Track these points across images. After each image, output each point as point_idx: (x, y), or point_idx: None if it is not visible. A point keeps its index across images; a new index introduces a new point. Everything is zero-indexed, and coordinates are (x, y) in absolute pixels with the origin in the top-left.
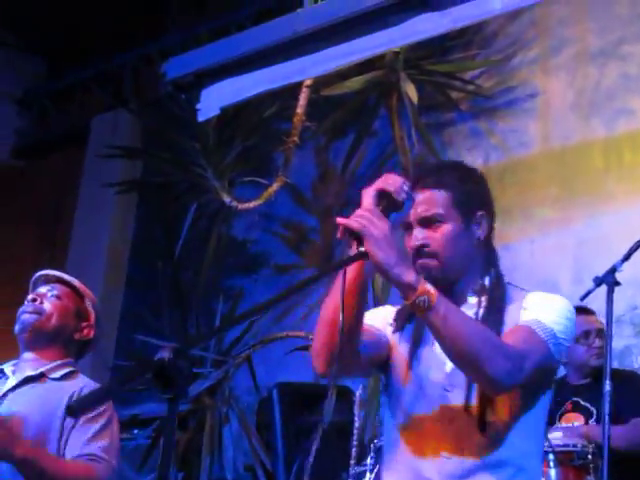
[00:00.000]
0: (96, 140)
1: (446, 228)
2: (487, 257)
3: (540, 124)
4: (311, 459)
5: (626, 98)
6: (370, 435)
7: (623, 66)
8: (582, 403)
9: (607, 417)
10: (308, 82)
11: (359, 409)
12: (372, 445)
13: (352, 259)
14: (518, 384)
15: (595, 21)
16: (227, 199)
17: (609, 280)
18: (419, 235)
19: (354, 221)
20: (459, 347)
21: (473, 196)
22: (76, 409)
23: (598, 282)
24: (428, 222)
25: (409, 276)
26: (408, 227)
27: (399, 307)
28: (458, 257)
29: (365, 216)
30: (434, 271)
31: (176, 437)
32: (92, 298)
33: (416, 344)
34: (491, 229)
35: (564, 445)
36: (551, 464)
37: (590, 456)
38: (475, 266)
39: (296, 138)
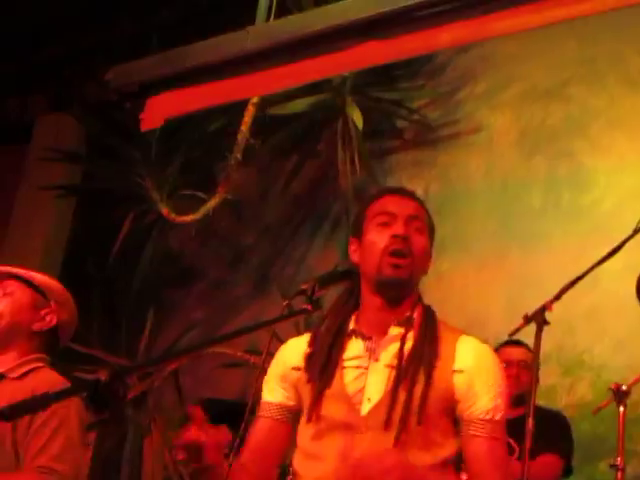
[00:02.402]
0: (39, 141)
1: (425, 239)
2: (418, 289)
3: (482, 159)
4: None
5: (568, 139)
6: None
7: (567, 107)
8: None
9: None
10: (254, 100)
11: None
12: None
13: (297, 313)
14: None
15: (543, 60)
16: (165, 211)
17: (538, 319)
18: (406, 228)
19: None
20: None
21: (433, 228)
22: (6, 414)
23: (528, 320)
24: (413, 223)
25: None
26: (387, 216)
27: (310, 347)
28: (419, 274)
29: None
30: (403, 274)
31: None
32: (48, 282)
33: (327, 382)
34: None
35: None
36: None
37: None
38: (415, 292)
39: (239, 155)
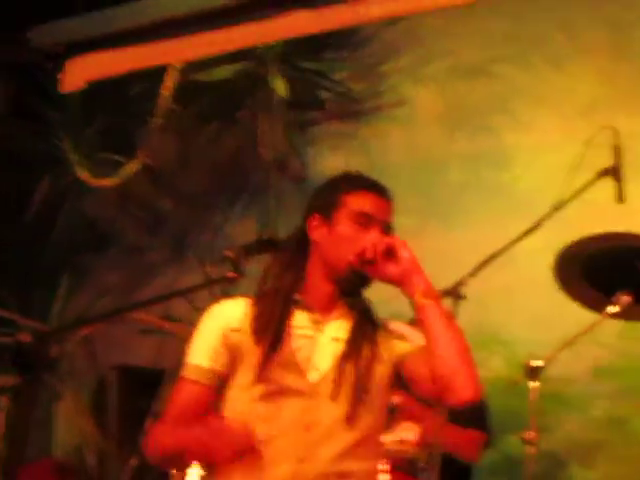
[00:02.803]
0: None
1: None
2: None
3: (404, 133)
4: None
5: (491, 116)
6: None
7: (491, 84)
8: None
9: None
10: (178, 65)
11: None
12: None
13: (220, 281)
14: None
15: (469, 36)
16: (82, 174)
17: (454, 294)
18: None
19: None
20: (463, 346)
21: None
22: None
23: (444, 295)
24: (386, 231)
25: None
26: (365, 218)
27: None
28: None
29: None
30: (369, 279)
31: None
32: None
33: (275, 346)
34: None
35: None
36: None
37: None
38: None
39: (160, 119)
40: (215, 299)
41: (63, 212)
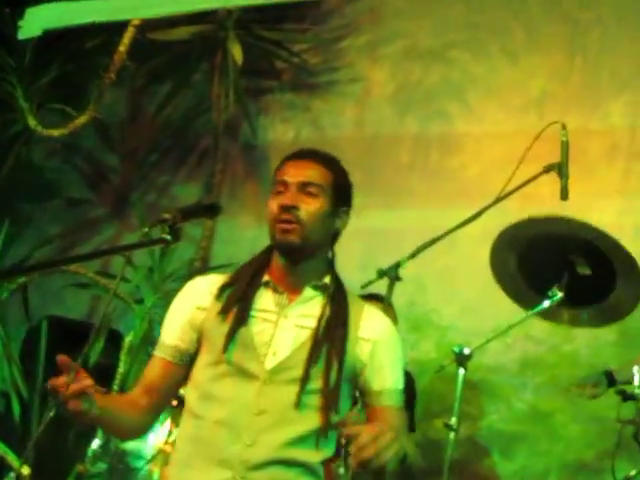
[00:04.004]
0: None
1: (319, 202)
2: (331, 254)
3: (356, 109)
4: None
5: (443, 101)
6: (133, 382)
7: (447, 70)
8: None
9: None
10: (136, 22)
11: (126, 355)
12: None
13: (156, 242)
14: None
15: (429, 20)
16: (32, 122)
17: (392, 274)
18: (294, 197)
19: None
20: None
21: (347, 191)
22: None
23: (381, 274)
24: (305, 189)
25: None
26: (281, 188)
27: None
28: (317, 235)
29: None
30: (293, 238)
31: None
32: None
33: (236, 327)
34: (343, 228)
35: None
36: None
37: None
38: (322, 255)
39: (113, 75)
40: (153, 259)
41: (10, 158)
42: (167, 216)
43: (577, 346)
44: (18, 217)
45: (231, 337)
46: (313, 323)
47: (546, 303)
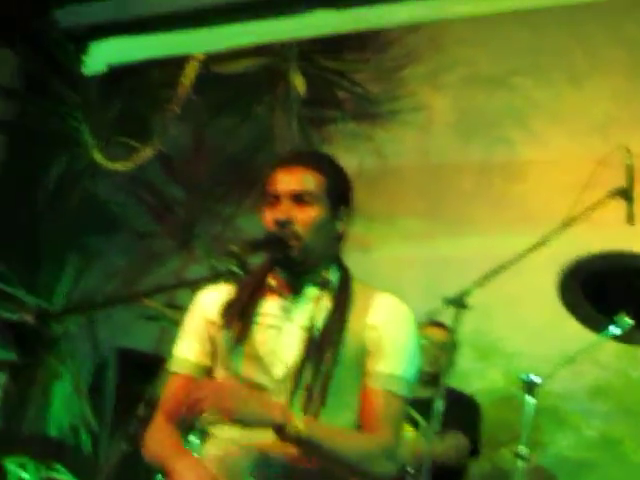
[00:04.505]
0: None
1: (314, 211)
2: (338, 253)
3: (419, 138)
4: (134, 428)
5: (507, 128)
6: None
7: (509, 96)
8: (412, 414)
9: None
10: (200, 56)
11: None
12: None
13: (224, 275)
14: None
15: (490, 47)
16: (98, 157)
17: (458, 302)
18: (287, 209)
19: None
20: (339, 466)
21: (343, 190)
22: None
23: (447, 303)
24: (298, 199)
25: (275, 417)
26: (274, 199)
27: (230, 297)
28: (318, 245)
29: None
30: (294, 253)
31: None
32: None
33: (239, 341)
34: (347, 227)
35: None
36: None
37: (410, 468)
38: (325, 259)
39: (177, 108)
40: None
41: (76, 193)
42: (235, 249)
43: None
44: (86, 251)
45: (236, 351)
46: (319, 323)
47: (614, 329)
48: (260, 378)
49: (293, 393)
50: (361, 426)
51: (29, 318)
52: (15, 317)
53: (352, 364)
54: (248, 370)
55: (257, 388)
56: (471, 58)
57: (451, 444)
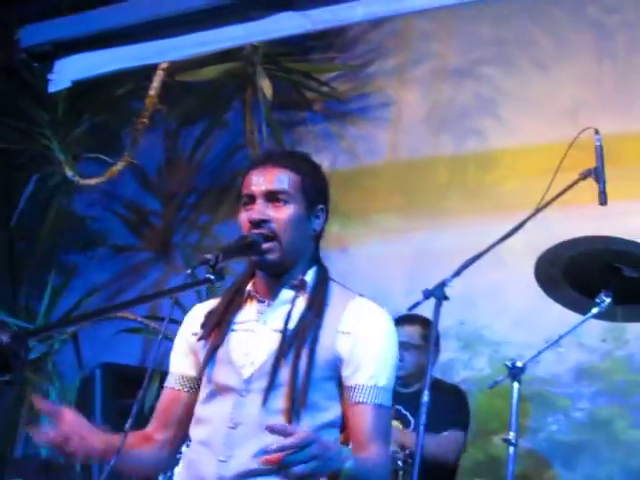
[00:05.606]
0: None
1: (290, 209)
2: (315, 252)
3: (390, 134)
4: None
5: (476, 118)
6: None
7: (477, 86)
8: (402, 412)
9: (421, 427)
10: (164, 65)
11: None
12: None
13: (200, 283)
14: None
15: (456, 39)
16: (70, 173)
17: (438, 294)
18: (262, 209)
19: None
20: None
21: (319, 188)
22: None
23: (427, 295)
24: (273, 198)
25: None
26: (249, 200)
27: (209, 309)
28: (295, 245)
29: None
30: (271, 257)
31: None
32: None
33: (213, 347)
34: (324, 225)
35: None
36: None
37: (401, 462)
38: (303, 259)
39: (146, 120)
40: (200, 300)
41: (51, 211)
42: (209, 256)
43: (630, 351)
44: (64, 268)
45: (210, 357)
46: (291, 324)
47: (596, 309)
48: (230, 380)
49: (267, 392)
50: (352, 442)
51: (4, 338)
52: None
53: (324, 366)
54: (220, 374)
55: (228, 390)
56: (437, 51)
57: (449, 447)
